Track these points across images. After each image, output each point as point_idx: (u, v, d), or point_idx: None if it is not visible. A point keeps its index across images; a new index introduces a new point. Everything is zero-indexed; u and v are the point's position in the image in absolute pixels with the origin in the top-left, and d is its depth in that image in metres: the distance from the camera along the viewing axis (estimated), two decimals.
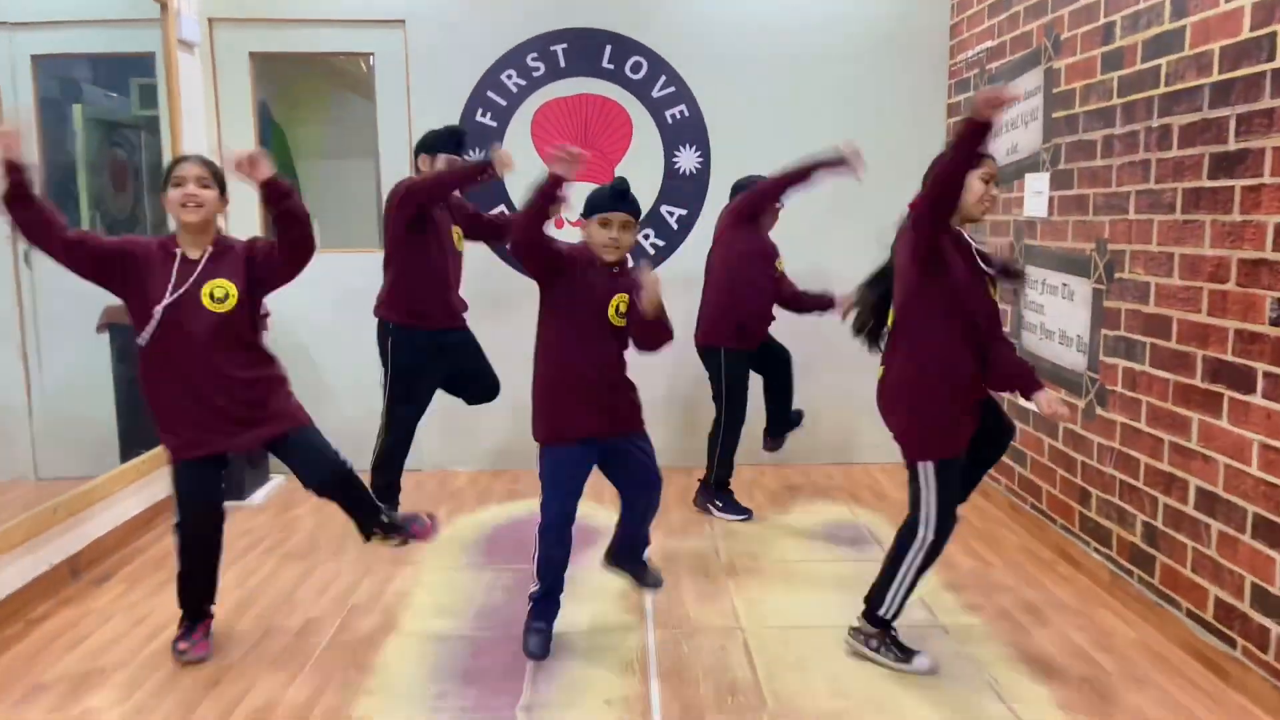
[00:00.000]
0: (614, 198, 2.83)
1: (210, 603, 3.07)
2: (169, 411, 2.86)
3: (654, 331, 2.90)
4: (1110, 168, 3.39)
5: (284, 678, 2.86)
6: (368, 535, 3.13)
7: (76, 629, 3.22)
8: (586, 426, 2.87)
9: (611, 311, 2.86)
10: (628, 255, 2.96)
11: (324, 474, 3.00)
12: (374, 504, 3.14)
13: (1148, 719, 2.62)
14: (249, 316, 2.89)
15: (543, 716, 2.64)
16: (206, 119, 4.87)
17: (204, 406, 2.84)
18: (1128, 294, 3.29)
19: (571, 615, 3.23)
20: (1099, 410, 3.49)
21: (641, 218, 2.92)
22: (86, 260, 2.77)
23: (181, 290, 2.78)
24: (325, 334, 5.00)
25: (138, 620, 3.28)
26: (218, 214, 2.90)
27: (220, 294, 2.83)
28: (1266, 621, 2.64)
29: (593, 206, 2.86)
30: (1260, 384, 2.65)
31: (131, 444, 4.43)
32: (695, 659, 2.97)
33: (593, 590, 3.43)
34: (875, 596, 2.92)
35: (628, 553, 3.15)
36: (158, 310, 2.76)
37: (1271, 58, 2.60)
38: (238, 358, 2.87)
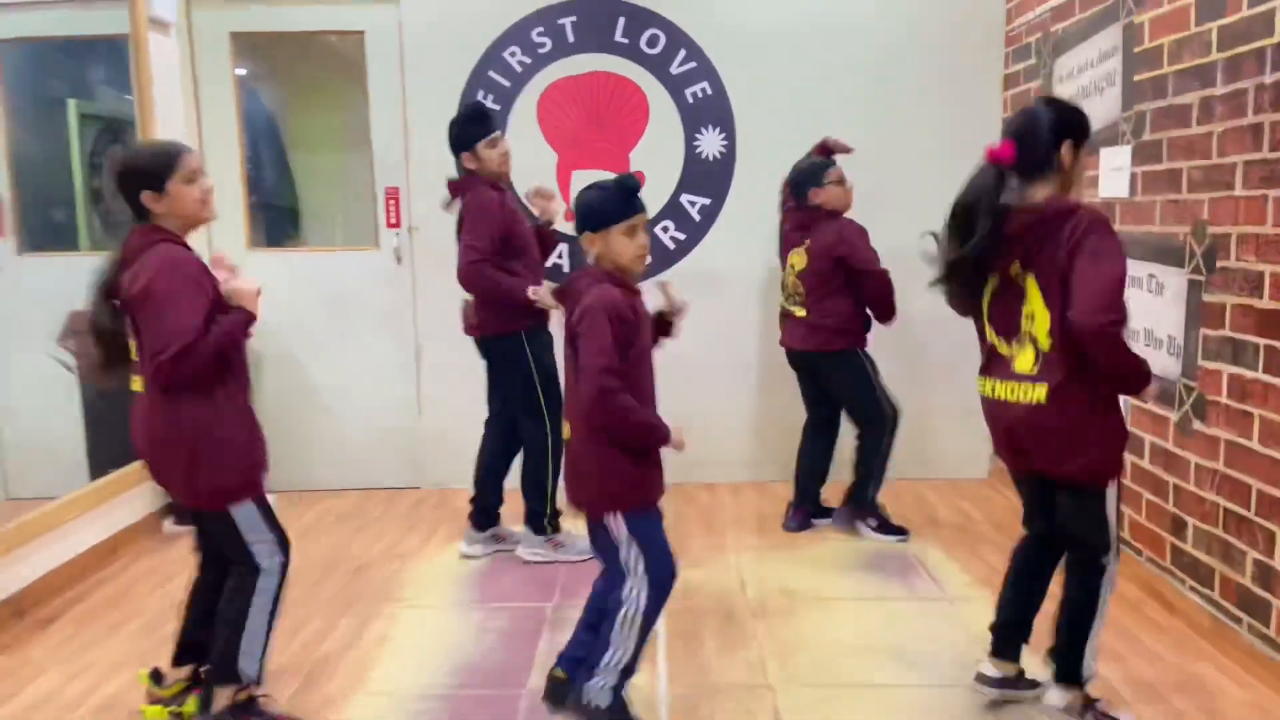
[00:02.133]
0: (629, 197, 2.28)
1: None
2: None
3: None
4: (1210, 135, 2.84)
5: None
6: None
7: (14, 677, 2.81)
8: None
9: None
10: None
11: None
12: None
13: None
14: None
15: None
16: (185, 106, 4.46)
17: None
18: (1235, 285, 2.74)
19: None
20: (1196, 425, 2.94)
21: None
22: None
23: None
24: (316, 339, 4.56)
25: (78, 671, 2.85)
26: None
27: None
28: None
29: (609, 215, 2.27)
30: None
31: (99, 461, 4.04)
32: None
33: None
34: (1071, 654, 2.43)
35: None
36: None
37: None
38: None
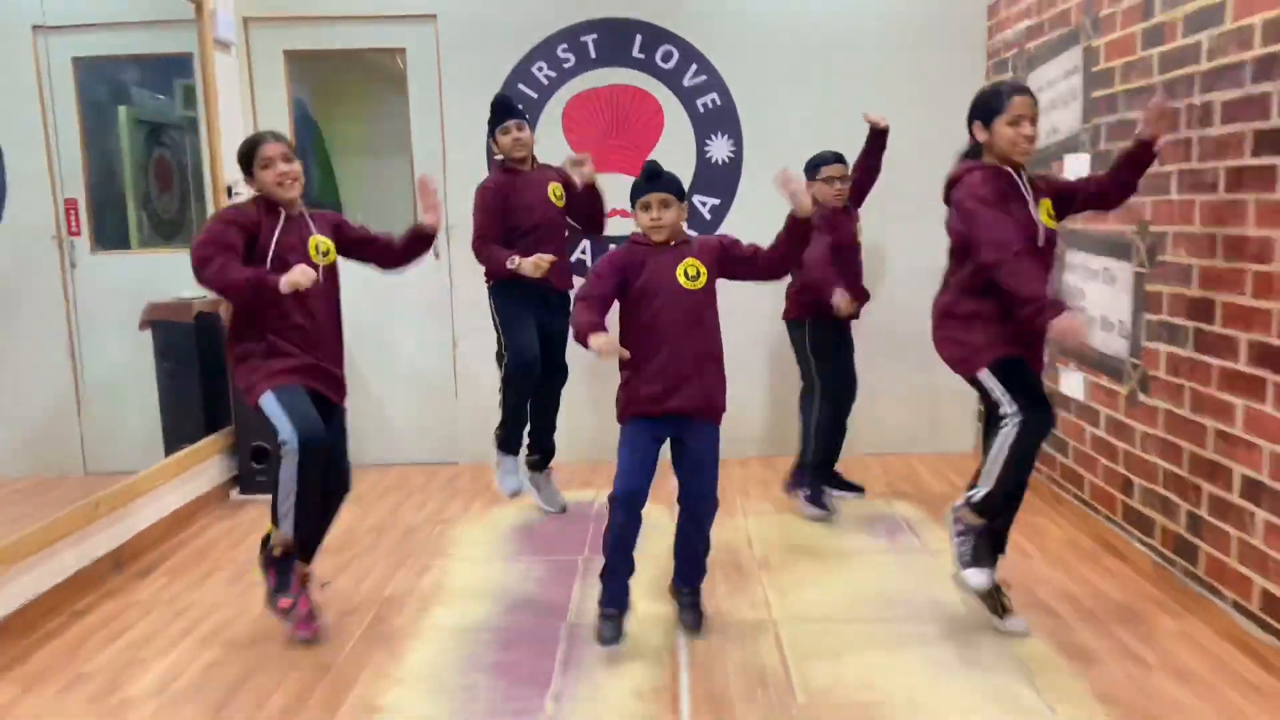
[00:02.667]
0: (647, 180, 2.90)
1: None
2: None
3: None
4: None
5: (317, 668, 2.89)
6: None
7: (118, 621, 3.28)
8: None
9: (680, 277, 2.92)
10: (685, 232, 3.01)
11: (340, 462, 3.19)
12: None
13: (1190, 713, 2.54)
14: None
15: (571, 707, 2.64)
16: (244, 117, 4.93)
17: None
18: (1170, 277, 3.19)
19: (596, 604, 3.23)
20: (1142, 397, 3.40)
21: (684, 193, 2.94)
22: None
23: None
24: (362, 329, 5.03)
25: (178, 613, 3.33)
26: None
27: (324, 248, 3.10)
28: None
29: (632, 196, 2.93)
30: None
31: (175, 439, 4.52)
32: (725, 651, 2.95)
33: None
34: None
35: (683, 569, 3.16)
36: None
37: None
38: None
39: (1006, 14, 4.56)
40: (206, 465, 4.50)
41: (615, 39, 4.86)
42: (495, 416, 4.25)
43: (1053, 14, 4.07)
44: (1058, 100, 4.04)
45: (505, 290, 4.08)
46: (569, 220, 4.24)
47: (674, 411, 2.92)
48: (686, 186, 4.93)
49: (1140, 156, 2.92)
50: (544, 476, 4.33)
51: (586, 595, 3.34)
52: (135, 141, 5.07)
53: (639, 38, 4.86)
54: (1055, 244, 2.93)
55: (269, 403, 2.91)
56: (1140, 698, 2.62)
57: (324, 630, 3.12)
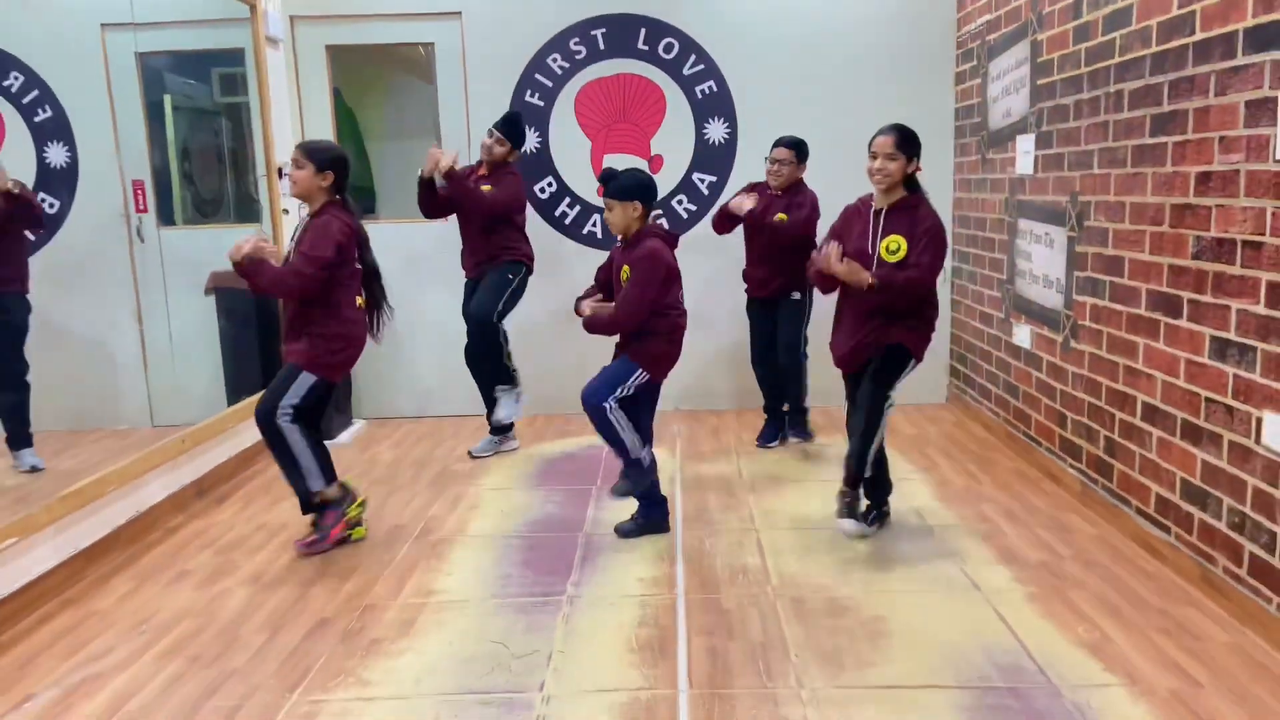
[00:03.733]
0: (601, 182, 3.62)
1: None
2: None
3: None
4: (1080, 129, 3.86)
5: (379, 567, 3.50)
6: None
7: (207, 533, 3.91)
8: None
9: (623, 277, 3.56)
10: (655, 227, 3.64)
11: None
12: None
13: (1089, 590, 3.14)
14: None
15: (587, 590, 3.25)
16: (290, 106, 5.51)
17: None
18: (1093, 239, 3.77)
19: (611, 521, 3.84)
20: (1073, 343, 3.98)
21: (631, 195, 3.52)
22: None
23: None
24: (394, 295, 5.61)
25: (258, 527, 3.96)
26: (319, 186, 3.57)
27: None
28: (1191, 509, 3.15)
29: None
30: (1185, 309, 3.13)
31: (238, 390, 5.12)
32: (715, 549, 3.56)
33: (629, 505, 4.02)
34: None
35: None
36: None
37: (1192, 32, 3.06)
38: None
39: (972, 7, 5.11)
40: None
41: (622, 32, 5.42)
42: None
43: (1008, 9, 4.62)
44: (1011, 87, 4.59)
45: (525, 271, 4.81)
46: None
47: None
48: (686, 165, 5.56)
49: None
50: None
51: (599, 514, 3.95)
52: (179, 127, 5.64)
53: (643, 31, 5.42)
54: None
55: (308, 380, 3.62)
56: (1050, 578, 3.22)
57: (382, 539, 3.75)
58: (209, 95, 5.80)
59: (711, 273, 5.32)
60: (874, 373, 3.46)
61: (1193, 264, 3.09)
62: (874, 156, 3.38)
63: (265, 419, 3.56)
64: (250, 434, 4.85)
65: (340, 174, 3.59)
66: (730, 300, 5.49)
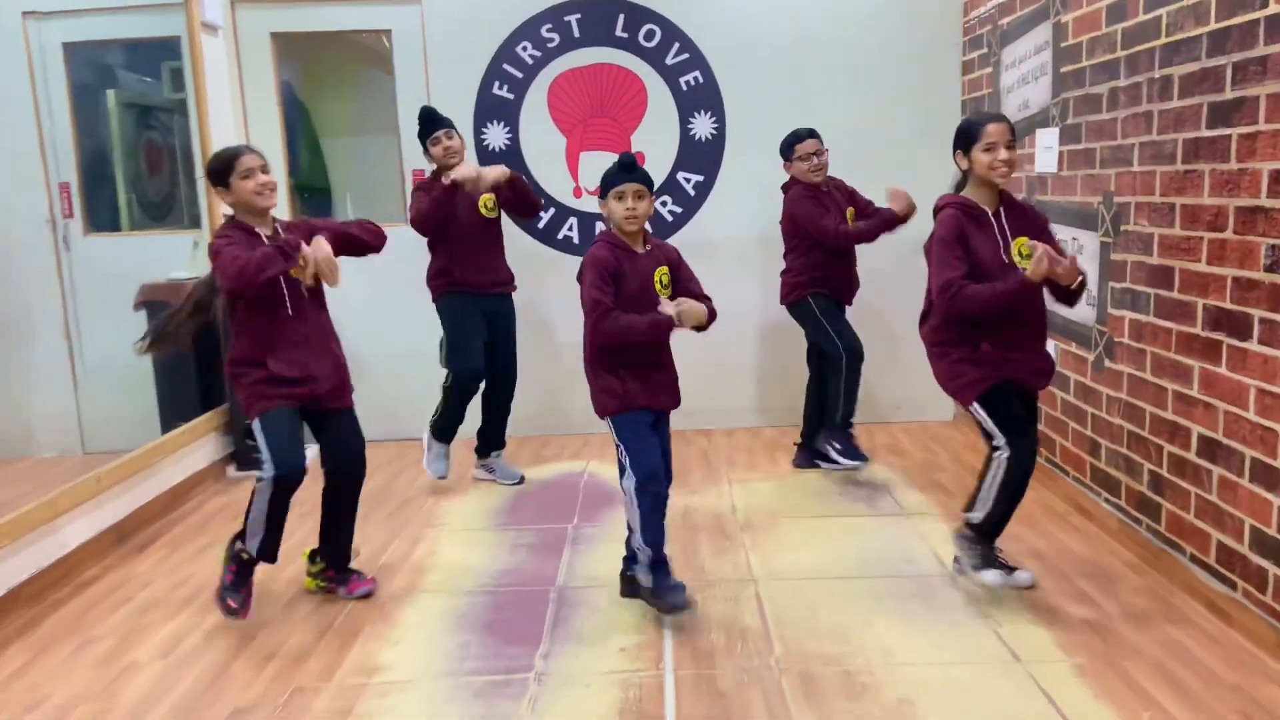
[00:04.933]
0: (622, 170, 2.96)
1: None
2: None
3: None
4: (1115, 120, 3.40)
5: (316, 634, 3.01)
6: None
7: (123, 589, 3.40)
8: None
9: (658, 285, 3.00)
10: (648, 229, 3.08)
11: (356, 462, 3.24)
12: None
13: (1147, 659, 2.68)
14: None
15: (558, 664, 2.76)
16: (232, 99, 5.00)
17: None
18: (1133, 246, 3.31)
19: (590, 568, 3.36)
20: (1107, 363, 3.52)
21: (654, 187, 3.04)
22: None
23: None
24: (354, 308, 5.13)
25: (179, 581, 3.45)
26: None
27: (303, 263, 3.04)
28: (1265, 563, 2.69)
29: (606, 184, 2.98)
30: (1256, 330, 2.68)
31: (171, 417, 4.62)
32: (708, 609, 3.08)
33: (609, 549, 3.55)
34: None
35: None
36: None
37: (1265, 3, 2.61)
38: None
39: None
40: (203, 442, 4.61)
41: (599, 18, 4.94)
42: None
43: None
44: (1028, 75, 4.14)
45: (453, 301, 4.23)
46: (512, 215, 4.37)
47: (663, 408, 3.07)
48: (670, 164, 5.09)
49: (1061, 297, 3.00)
50: (498, 458, 4.49)
51: (575, 561, 3.47)
52: (124, 124, 5.14)
53: (622, 17, 4.94)
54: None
55: (258, 427, 3.01)
56: (1099, 643, 2.76)
57: (322, 595, 3.25)
58: (159, 91, 5.30)
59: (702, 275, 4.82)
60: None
61: (1265, 277, 2.63)
62: (990, 148, 2.90)
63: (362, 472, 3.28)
64: (181, 468, 4.36)
65: None
66: (728, 307, 5.03)
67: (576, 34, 4.96)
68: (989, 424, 2.98)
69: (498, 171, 4.07)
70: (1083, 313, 3.69)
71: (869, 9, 4.91)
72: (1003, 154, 2.88)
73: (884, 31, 4.92)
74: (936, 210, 3.05)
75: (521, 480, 4.41)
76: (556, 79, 5.00)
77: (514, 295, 4.36)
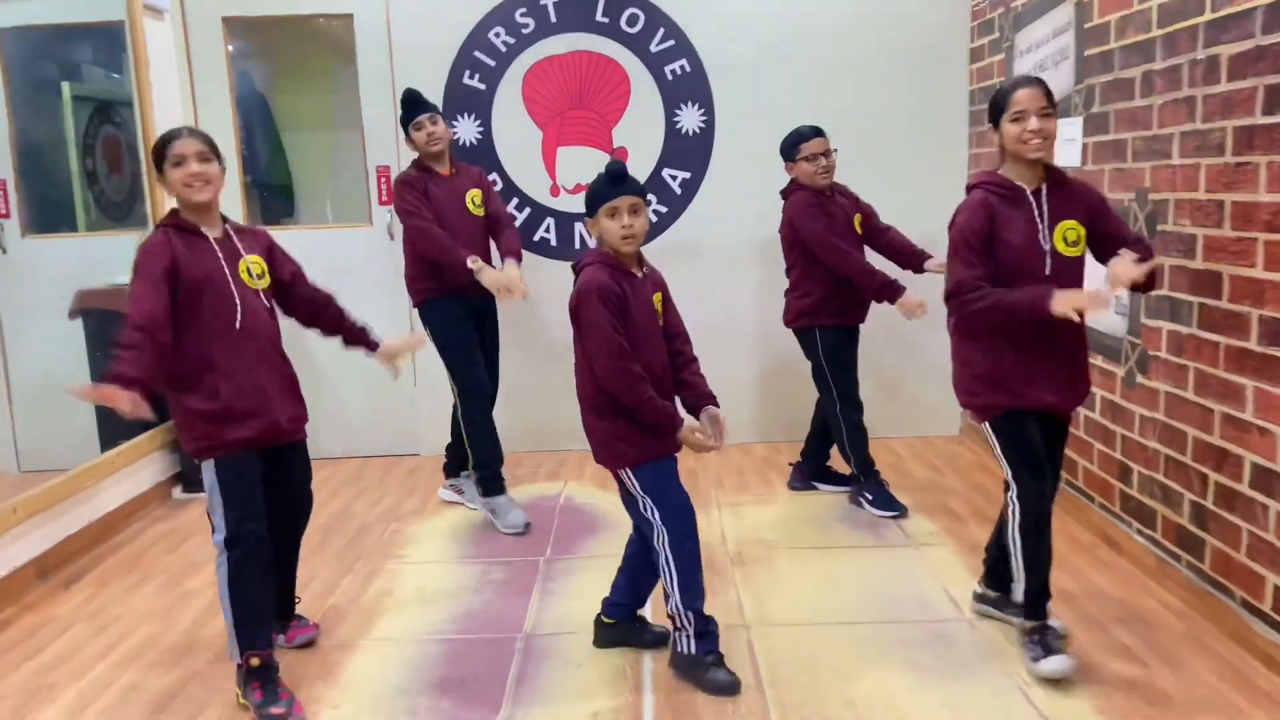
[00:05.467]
0: (613, 182, 2.51)
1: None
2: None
3: None
4: (1151, 108, 3.04)
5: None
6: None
7: (36, 636, 3.02)
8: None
9: (657, 306, 2.61)
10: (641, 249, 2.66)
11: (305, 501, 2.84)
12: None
13: None
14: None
15: None
16: (181, 89, 4.61)
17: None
18: (1172, 248, 2.95)
19: (562, 610, 2.98)
20: (1140, 378, 3.16)
21: (646, 195, 2.62)
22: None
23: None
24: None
25: (101, 628, 3.06)
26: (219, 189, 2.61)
27: (258, 270, 2.63)
28: None
29: (594, 199, 2.52)
30: None
31: (112, 435, 4.23)
32: None
33: (584, 586, 3.17)
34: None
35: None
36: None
37: None
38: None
39: None
40: (146, 462, 4.22)
41: (577, 1, 4.56)
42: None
43: None
44: (1047, 61, 3.77)
45: (443, 309, 3.77)
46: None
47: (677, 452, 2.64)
48: (655, 160, 4.71)
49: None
50: (505, 496, 3.90)
51: (546, 603, 3.10)
52: (79, 120, 4.76)
53: (602, 0, 4.56)
54: (1079, 273, 2.58)
55: (209, 477, 2.53)
56: (1142, 706, 2.40)
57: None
58: (122, 85, 4.91)
59: (678, 288, 4.45)
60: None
61: None
62: (1020, 117, 2.47)
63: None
64: (119, 491, 3.97)
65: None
66: (700, 318, 4.67)
67: (553, 19, 4.58)
68: (998, 453, 2.63)
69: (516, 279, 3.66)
70: (1110, 321, 3.33)
71: None
72: (1033, 123, 2.47)
73: (885, 19, 4.54)
74: (969, 190, 2.65)
75: (527, 529, 3.75)
76: (532, 68, 4.61)
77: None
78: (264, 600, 2.60)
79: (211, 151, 2.56)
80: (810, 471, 4.12)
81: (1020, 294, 2.47)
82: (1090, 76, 3.42)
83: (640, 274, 2.59)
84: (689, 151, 4.68)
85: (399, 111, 3.84)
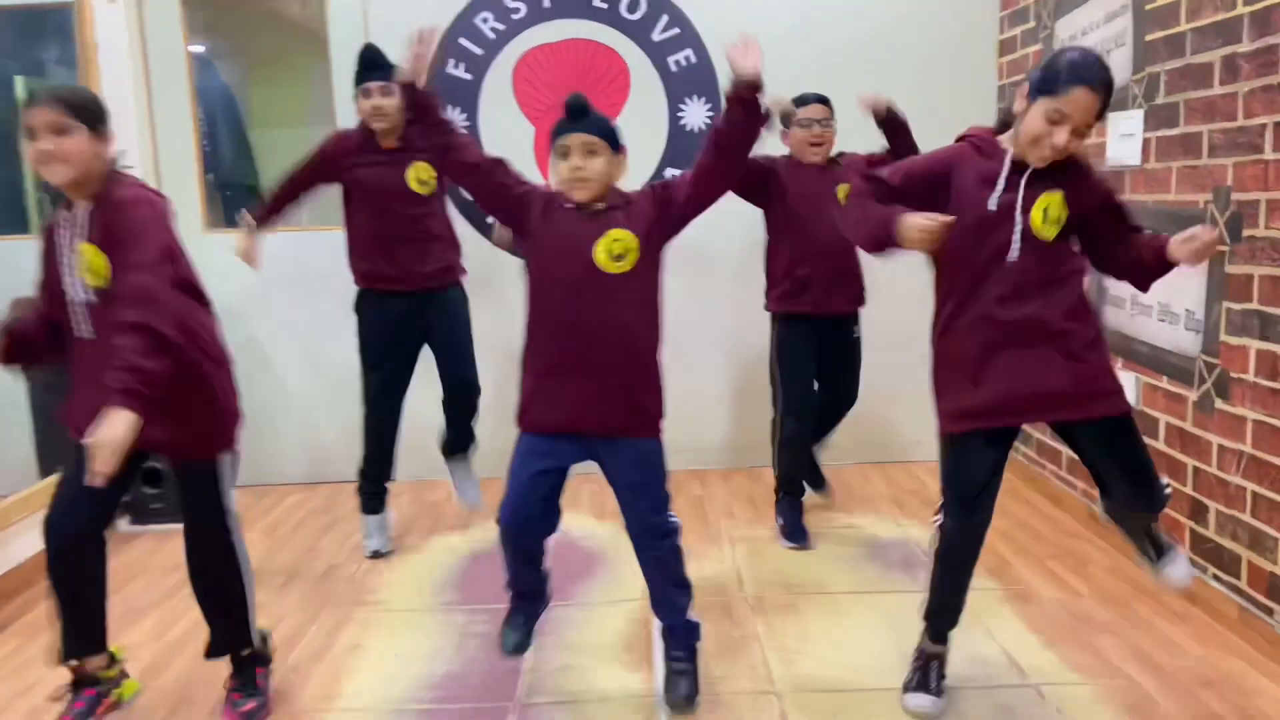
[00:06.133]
0: (570, 117, 2.20)
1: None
2: None
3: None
4: (1235, 96, 2.66)
5: None
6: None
7: None
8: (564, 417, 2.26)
9: (602, 256, 2.19)
10: (618, 190, 2.29)
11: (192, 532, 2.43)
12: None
13: None
14: None
15: None
16: (134, 79, 4.18)
17: None
18: (1263, 255, 2.57)
19: (559, 678, 2.56)
20: (1219, 403, 2.78)
21: (618, 140, 2.27)
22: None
23: None
24: (283, 326, 4.33)
25: (19, 692, 2.62)
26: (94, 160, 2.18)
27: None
28: None
29: (551, 137, 2.24)
30: None
31: (51, 460, 3.79)
32: None
33: (585, 640, 2.76)
34: None
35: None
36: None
37: None
38: None
39: None
40: None
41: None
42: (436, 425, 3.65)
43: None
44: (1098, 50, 3.41)
45: (371, 301, 3.46)
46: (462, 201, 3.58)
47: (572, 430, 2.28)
48: (658, 157, 4.32)
49: (1160, 265, 2.17)
50: (377, 518, 3.59)
51: (540, 662, 2.67)
52: None
53: None
54: (1060, 263, 2.17)
55: None
56: None
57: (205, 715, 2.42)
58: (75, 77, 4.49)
59: (687, 291, 4.06)
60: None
61: None
62: (1058, 119, 2.04)
63: (215, 535, 2.38)
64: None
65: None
66: (710, 326, 4.28)
67: (546, 3, 4.18)
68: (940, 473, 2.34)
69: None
70: (1177, 338, 2.96)
71: None
72: (1061, 136, 2.04)
73: (910, 5, 4.18)
74: (957, 140, 2.29)
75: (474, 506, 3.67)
76: (523, 57, 4.21)
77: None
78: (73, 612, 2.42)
79: (72, 120, 2.10)
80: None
81: (886, 209, 2.11)
82: (1153, 63, 3.05)
83: (590, 210, 2.23)
84: (695, 148, 4.23)
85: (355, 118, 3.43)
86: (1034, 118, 2.08)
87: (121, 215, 2.15)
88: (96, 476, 1.94)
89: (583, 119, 2.19)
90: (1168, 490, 2.32)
